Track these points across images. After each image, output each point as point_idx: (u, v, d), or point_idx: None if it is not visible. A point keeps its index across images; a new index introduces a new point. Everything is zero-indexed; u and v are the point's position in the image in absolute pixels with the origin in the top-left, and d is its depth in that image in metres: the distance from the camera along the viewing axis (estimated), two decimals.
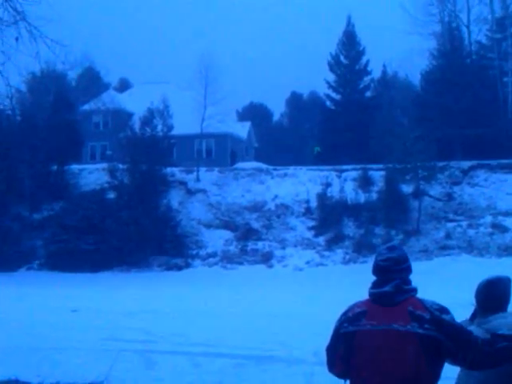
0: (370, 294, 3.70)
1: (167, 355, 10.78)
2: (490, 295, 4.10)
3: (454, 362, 3.63)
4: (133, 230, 32.89)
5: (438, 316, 3.47)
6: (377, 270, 3.72)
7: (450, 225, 33.36)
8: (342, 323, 3.70)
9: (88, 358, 10.00)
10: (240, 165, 44.05)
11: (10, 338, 12.02)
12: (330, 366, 3.83)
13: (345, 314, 3.74)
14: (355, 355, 3.59)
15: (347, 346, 3.63)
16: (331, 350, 3.79)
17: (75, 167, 40.21)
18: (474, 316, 4.21)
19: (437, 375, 3.51)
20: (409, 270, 3.73)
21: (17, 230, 34.72)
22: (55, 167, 38.99)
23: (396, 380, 3.42)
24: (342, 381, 3.79)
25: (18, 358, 10.21)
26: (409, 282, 3.68)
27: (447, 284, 21.87)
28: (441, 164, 35.03)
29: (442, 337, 3.43)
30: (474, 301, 4.22)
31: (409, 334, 3.43)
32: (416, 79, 50.35)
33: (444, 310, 3.54)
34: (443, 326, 3.44)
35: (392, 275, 3.63)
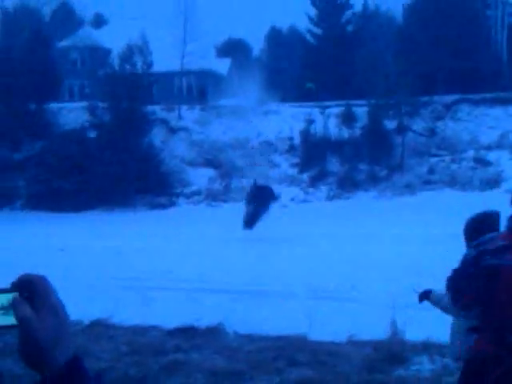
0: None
1: (162, 291, 10.83)
2: (479, 230, 4.01)
3: None
4: (115, 169, 32.61)
5: None
6: None
7: (433, 160, 33.55)
8: (482, 255, 3.37)
9: (87, 295, 10.00)
10: (222, 102, 43.49)
11: None
12: (456, 298, 3.55)
13: (482, 244, 3.40)
14: (500, 291, 3.31)
15: (488, 279, 3.34)
16: (462, 280, 3.50)
17: (54, 106, 39.41)
18: None
19: None
20: None
21: None
22: (34, 106, 38.17)
23: None
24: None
25: None
26: None
27: (432, 218, 22.08)
28: (424, 99, 34.88)
29: None
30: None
31: None
32: (398, 13, 49.63)
33: None
34: None
35: None
